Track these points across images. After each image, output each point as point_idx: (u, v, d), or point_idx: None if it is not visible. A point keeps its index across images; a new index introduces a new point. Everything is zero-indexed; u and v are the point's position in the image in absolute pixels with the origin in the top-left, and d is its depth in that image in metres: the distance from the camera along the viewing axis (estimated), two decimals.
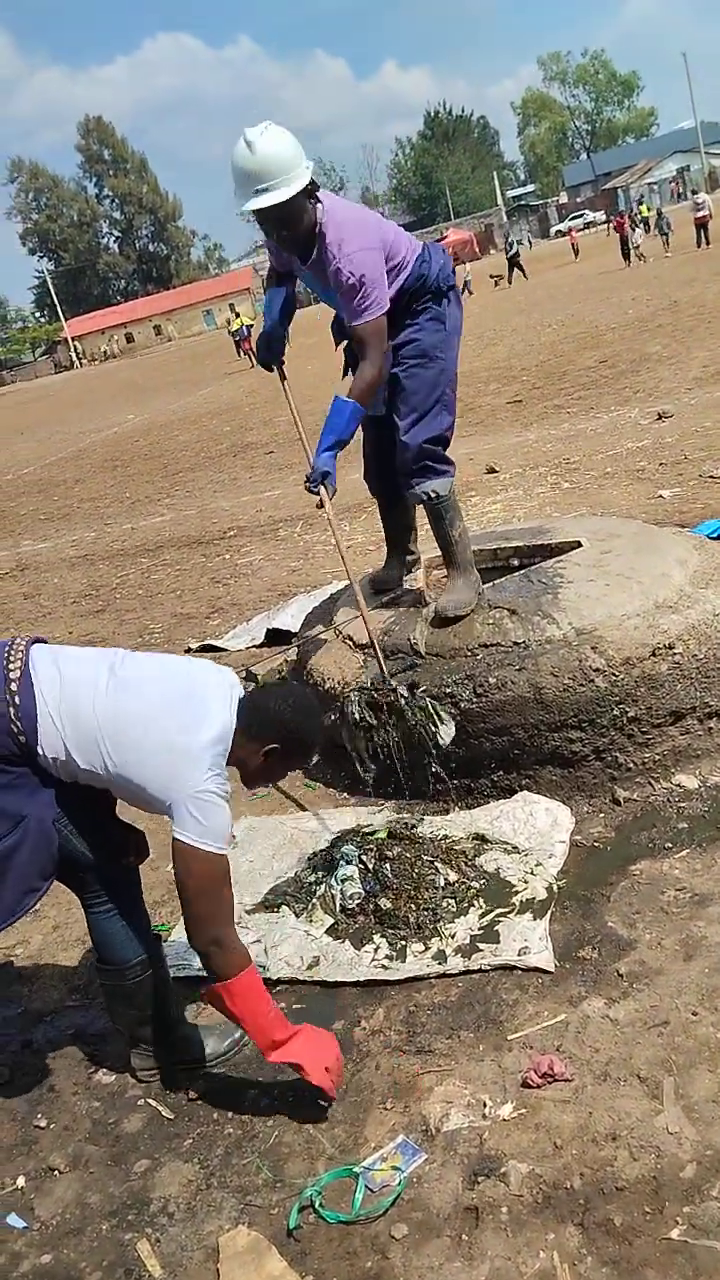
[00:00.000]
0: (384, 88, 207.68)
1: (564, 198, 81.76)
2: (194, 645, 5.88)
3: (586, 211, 66.68)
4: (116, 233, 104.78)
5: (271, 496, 10.42)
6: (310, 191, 3.20)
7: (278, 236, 3.33)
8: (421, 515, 3.77)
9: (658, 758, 3.33)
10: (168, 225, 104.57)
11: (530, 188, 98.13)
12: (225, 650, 5.57)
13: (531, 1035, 2.42)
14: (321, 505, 3.45)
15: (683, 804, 3.21)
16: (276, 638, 5.40)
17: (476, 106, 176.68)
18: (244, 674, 4.95)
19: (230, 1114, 2.43)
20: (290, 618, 5.38)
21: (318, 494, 3.42)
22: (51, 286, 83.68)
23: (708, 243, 27.91)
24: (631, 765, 3.31)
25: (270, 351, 3.73)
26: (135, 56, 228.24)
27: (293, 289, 3.69)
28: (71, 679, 2.27)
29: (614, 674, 3.21)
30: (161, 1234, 2.16)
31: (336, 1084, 2.35)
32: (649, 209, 39.26)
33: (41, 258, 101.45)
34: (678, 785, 3.31)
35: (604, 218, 59.74)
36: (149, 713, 2.24)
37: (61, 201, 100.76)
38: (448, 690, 3.32)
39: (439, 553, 3.80)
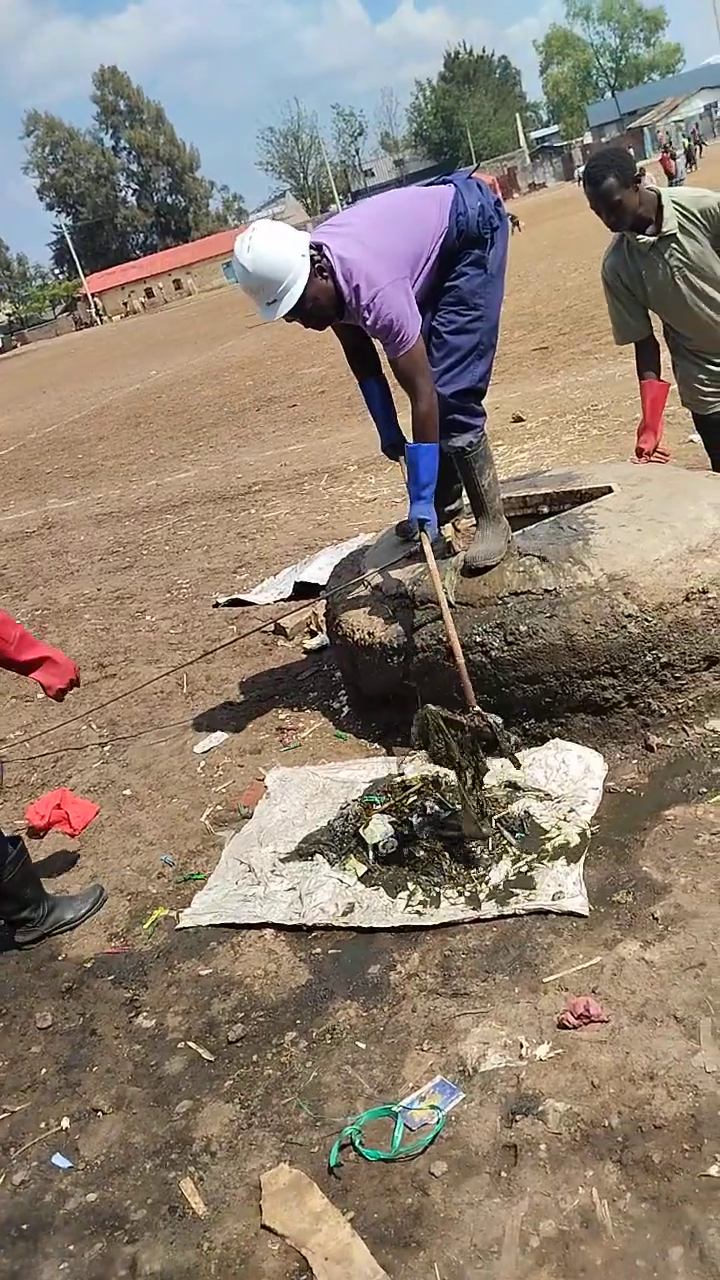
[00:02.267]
0: (401, 30, 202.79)
1: (588, 138, 79.73)
2: (221, 600, 5.88)
3: None
4: (134, 185, 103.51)
5: (296, 450, 10.35)
6: (319, 269, 3.08)
7: (315, 326, 3.27)
8: None
9: (691, 703, 3.30)
10: (185, 176, 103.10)
11: (554, 129, 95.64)
12: (254, 604, 5.57)
13: (567, 978, 2.43)
14: (421, 552, 3.40)
15: (717, 749, 3.19)
16: (304, 590, 5.39)
17: (497, 46, 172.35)
18: (273, 628, 4.96)
19: (269, 1056, 2.46)
20: (318, 570, 5.36)
21: (418, 543, 3.40)
22: (70, 242, 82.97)
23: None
24: (665, 711, 3.29)
25: (395, 450, 3.65)
26: (146, 4, 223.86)
27: (383, 377, 3.58)
28: None
29: (647, 619, 3.18)
30: (205, 1172, 2.20)
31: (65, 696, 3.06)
32: (690, 140, 38.57)
33: (59, 213, 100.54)
34: (711, 730, 3.28)
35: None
36: None
37: (78, 155, 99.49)
38: (478, 639, 3.30)
39: (468, 501, 3.76)
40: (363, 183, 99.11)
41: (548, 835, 2.97)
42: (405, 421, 3.43)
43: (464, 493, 3.94)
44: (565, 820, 3.01)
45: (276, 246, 3.03)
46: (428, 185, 3.40)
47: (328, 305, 3.14)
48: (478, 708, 3.11)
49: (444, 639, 3.30)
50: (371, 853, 3.02)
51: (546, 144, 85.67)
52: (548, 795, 3.14)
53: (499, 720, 3.09)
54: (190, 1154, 2.26)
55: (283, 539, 7.15)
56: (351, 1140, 2.15)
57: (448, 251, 3.23)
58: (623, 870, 2.76)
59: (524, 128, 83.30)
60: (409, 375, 3.19)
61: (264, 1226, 2.03)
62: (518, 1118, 2.10)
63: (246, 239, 3.05)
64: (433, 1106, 2.18)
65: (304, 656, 4.69)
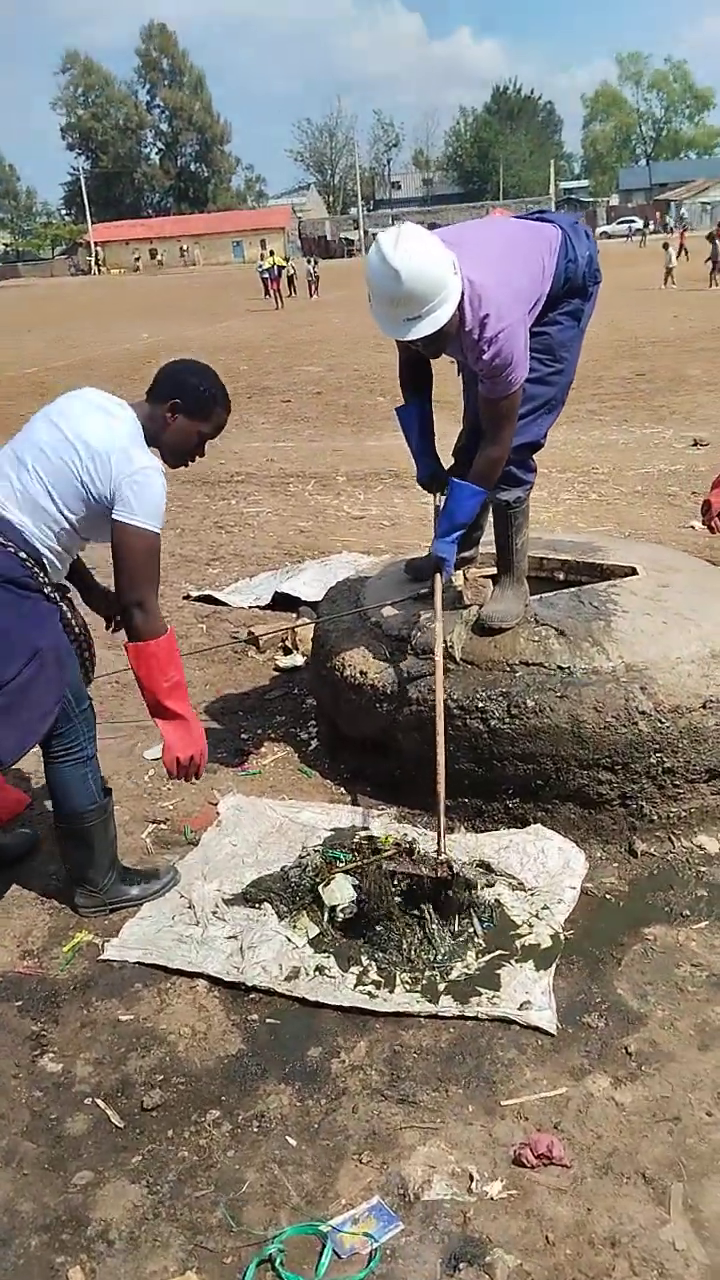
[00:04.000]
0: (454, 53, 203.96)
1: (615, 199, 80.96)
2: (193, 593, 5.60)
3: (636, 218, 65.90)
4: (160, 145, 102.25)
5: (285, 448, 10.09)
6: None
7: (429, 354, 3.00)
8: None
9: (684, 814, 3.12)
10: (213, 147, 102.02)
11: (584, 183, 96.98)
12: (227, 605, 5.29)
13: (528, 1105, 2.21)
14: (431, 592, 3.20)
15: (702, 868, 3.02)
16: (283, 602, 5.13)
17: (544, 90, 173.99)
18: (246, 636, 4.69)
19: (187, 1134, 2.20)
20: (303, 585, 5.11)
21: (429, 583, 3.22)
22: (84, 186, 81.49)
23: None
24: (656, 817, 3.10)
25: (435, 482, 3.37)
26: None
27: (429, 403, 3.31)
28: (22, 446, 2.62)
29: (660, 720, 2.99)
30: (98, 1264, 1.93)
31: (178, 774, 2.75)
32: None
33: (79, 155, 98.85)
34: (699, 846, 3.11)
35: (649, 225, 59.15)
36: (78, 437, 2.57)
37: (110, 102, 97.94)
38: (479, 704, 3.08)
39: (487, 552, 3.55)
40: (388, 193, 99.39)
41: (518, 931, 2.75)
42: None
43: (479, 542, 3.75)
44: (538, 917, 2.80)
45: (434, 257, 2.67)
46: (524, 218, 3.19)
47: (451, 331, 2.83)
48: (447, 856, 2.76)
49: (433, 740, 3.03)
50: (327, 914, 2.78)
51: (573, 196, 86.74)
52: (521, 885, 2.92)
53: (464, 873, 2.83)
54: (84, 1238, 1.98)
55: (262, 539, 6.88)
56: (272, 1259, 1.90)
57: (550, 298, 3.01)
58: (596, 989, 2.56)
59: (556, 175, 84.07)
60: (499, 419, 2.96)
61: None
62: (461, 1266, 1.87)
63: (394, 239, 2.66)
64: (366, 1234, 1.94)
65: (275, 674, 4.43)
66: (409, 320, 2.75)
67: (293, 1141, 2.16)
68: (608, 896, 2.92)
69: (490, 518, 3.42)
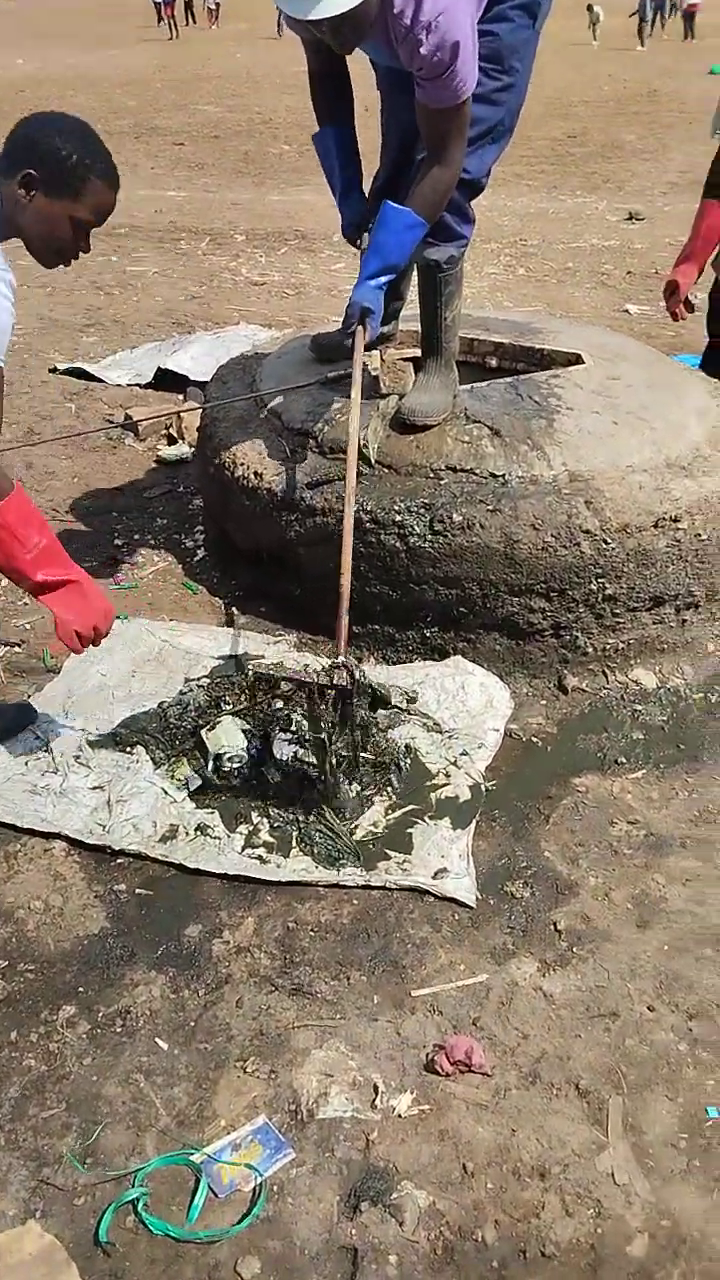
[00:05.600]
0: None
1: None
2: (62, 366, 4.83)
3: None
4: None
5: (176, 198, 8.92)
6: None
7: (340, 45, 2.28)
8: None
9: (621, 645, 2.76)
10: None
11: None
12: (102, 382, 4.56)
13: (442, 996, 1.90)
14: (353, 347, 2.57)
15: (638, 706, 2.69)
16: (167, 379, 4.44)
17: None
18: (123, 419, 4.03)
19: (34, 1037, 1.83)
20: (191, 360, 4.41)
21: (351, 336, 2.56)
22: None
23: (693, 36, 25.57)
24: (590, 649, 2.73)
25: (362, 231, 2.69)
26: None
27: (352, 129, 2.64)
28: None
29: (605, 540, 2.56)
30: None
31: (81, 648, 2.17)
32: None
33: None
34: (634, 681, 2.77)
35: None
36: None
37: None
38: (396, 517, 2.59)
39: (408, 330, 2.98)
40: None
41: (433, 781, 2.39)
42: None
43: (399, 316, 3.15)
44: (455, 765, 2.44)
45: None
46: None
47: (370, 11, 2.17)
48: (345, 659, 2.28)
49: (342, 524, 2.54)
50: (211, 762, 2.36)
51: None
52: (437, 726, 2.54)
53: (366, 677, 2.37)
54: None
55: (146, 303, 6.03)
56: (134, 1203, 1.57)
57: None
58: (520, 851, 2.23)
59: None
60: (447, 135, 2.33)
61: None
62: (364, 1204, 1.57)
63: None
64: (249, 1165, 1.62)
65: (155, 466, 3.83)
66: None
67: (163, 1044, 1.81)
68: (534, 740, 2.57)
69: (414, 286, 2.81)
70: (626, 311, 6.00)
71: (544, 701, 2.70)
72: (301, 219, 8.12)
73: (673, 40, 25.49)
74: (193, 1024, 1.85)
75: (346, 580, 2.31)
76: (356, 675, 2.27)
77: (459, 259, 2.62)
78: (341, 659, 2.25)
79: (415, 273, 2.82)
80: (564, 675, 2.73)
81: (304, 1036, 1.82)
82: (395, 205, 2.43)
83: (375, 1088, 1.74)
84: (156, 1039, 1.82)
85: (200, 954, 1.98)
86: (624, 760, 2.50)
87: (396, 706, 2.47)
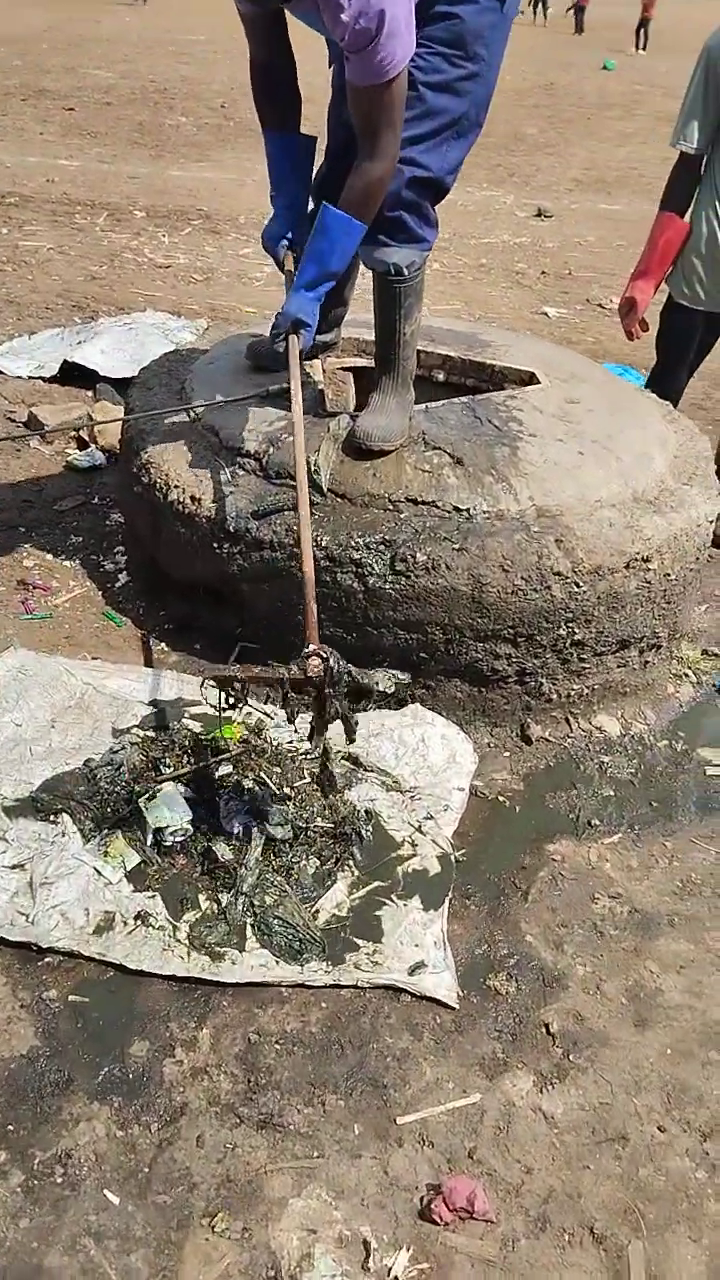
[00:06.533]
0: None
1: None
2: None
3: None
4: None
5: (68, 168, 8.38)
6: None
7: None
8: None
9: (585, 691, 2.58)
10: None
11: None
12: (1, 374, 4.15)
13: (431, 1122, 1.68)
14: (288, 361, 2.33)
15: (604, 757, 2.52)
16: (74, 373, 4.06)
17: None
18: (27, 418, 3.66)
19: None
20: (100, 355, 4.04)
21: (283, 346, 2.33)
22: None
23: (581, 30, 25.78)
24: (555, 696, 2.54)
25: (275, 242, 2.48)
26: None
27: (297, 132, 2.41)
28: None
29: (576, 583, 2.37)
30: None
31: None
32: None
33: None
34: (598, 728, 2.60)
35: None
36: None
37: None
38: (354, 554, 2.34)
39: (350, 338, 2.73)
40: None
41: (399, 852, 2.16)
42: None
43: (342, 322, 2.90)
44: (420, 831, 2.22)
45: None
46: None
47: None
48: (318, 647, 2.08)
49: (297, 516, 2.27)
50: (151, 836, 2.07)
51: None
52: (397, 785, 2.32)
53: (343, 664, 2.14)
54: None
55: (43, 284, 5.58)
56: None
57: None
58: (500, 936, 2.03)
59: None
60: (375, 120, 2.07)
61: None
62: None
63: None
64: None
65: (63, 473, 3.47)
66: None
67: (114, 1198, 1.54)
68: (501, 798, 2.37)
69: (354, 291, 2.58)
70: (545, 314, 5.86)
71: (508, 753, 2.50)
72: (204, 198, 7.71)
73: (563, 33, 25.62)
74: (147, 1170, 1.58)
75: (309, 565, 2.06)
76: (332, 664, 1.99)
77: (419, 266, 2.38)
78: (314, 647, 1.98)
79: (360, 276, 2.59)
80: (527, 724, 2.54)
81: (278, 1182, 1.58)
82: (334, 208, 2.19)
83: (366, 1244, 1.51)
84: (105, 1191, 1.55)
85: (149, 1078, 1.71)
86: (597, 822, 2.33)
87: (383, 693, 2.18)
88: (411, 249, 2.34)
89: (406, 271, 2.34)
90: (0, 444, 3.54)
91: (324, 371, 2.86)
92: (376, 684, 2.08)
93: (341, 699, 2.00)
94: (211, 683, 2.04)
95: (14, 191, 7.40)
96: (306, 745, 2.29)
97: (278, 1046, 1.77)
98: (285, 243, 2.46)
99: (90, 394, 3.94)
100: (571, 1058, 1.80)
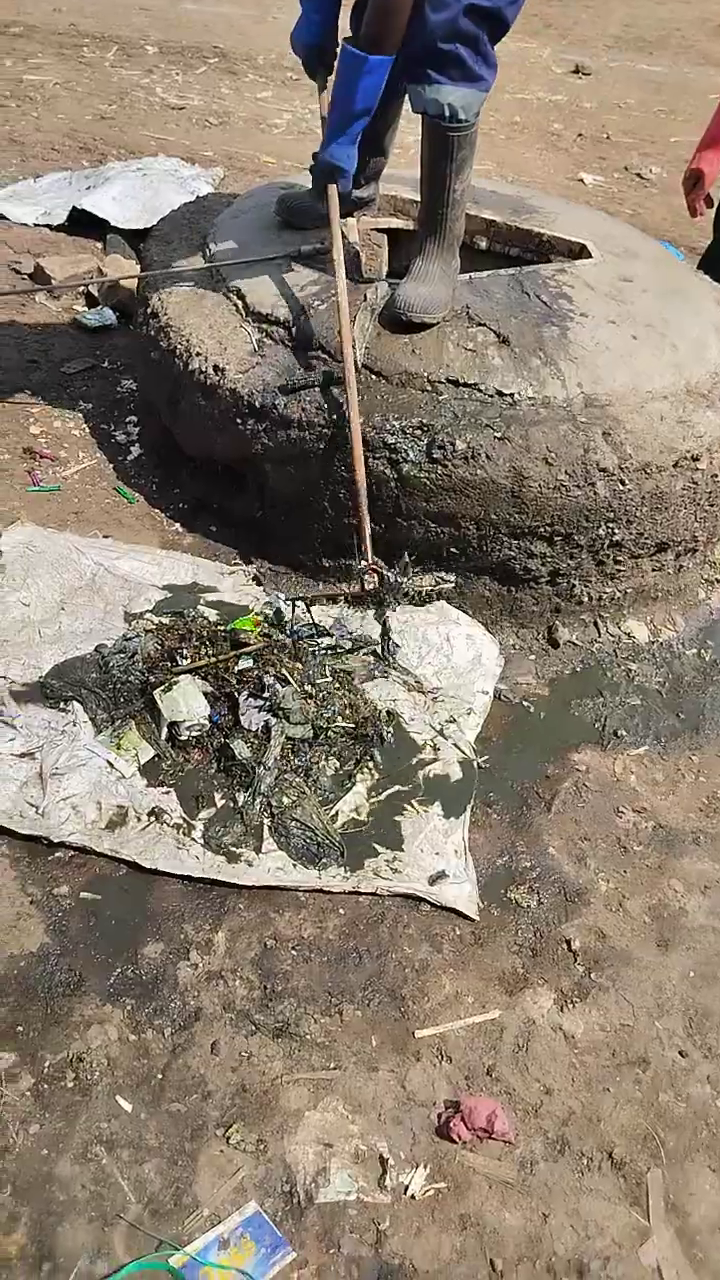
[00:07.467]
0: None
1: None
2: None
3: None
4: None
5: None
6: None
7: None
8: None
9: (618, 595, 2.47)
10: None
11: None
12: (4, 219, 3.86)
13: (450, 1037, 1.64)
14: (328, 217, 2.20)
15: (632, 664, 2.42)
16: (83, 221, 3.78)
17: None
18: (34, 269, 3.42)
19: None
20: (112, 203, 3.75)
21: (324, 200, 2.20)
22: None
23: None
24: (585, 599, 2.43)
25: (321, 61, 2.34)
26: None
27: None
28: None
29: (622, 481, 2.22)
30: None
31: None
32: None
33: None
34: (627, 634, 2.50)
35: None
36: None
37: None
38: (389, 439, 2.18)
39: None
40: None
41: (420, 756, 2.08)
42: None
43: (380, 177, 2.67)
44: (443, 735, 2.13)
45: None
46: None
47: None
48: (373, 560, 2.05)
49: (347, 417, 2.14)
50: (166, 729, 1.98)
51: None
52: (419, 685, 2.22)
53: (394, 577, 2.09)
54: None
55: (49, 121, 5.18)
56: None
57: None
58: (521, 846, 1.96)
59: None
60: None
61: None
62: None
63: None
64: (240, 1271, 1.35)
65: (72, 332, 3.25)
66: None
67: (126, 1105, 1.51)
68: (525, 704, 2.28)
69: (395, 138, 2.36)
70: (581, 181, 5.50)
71: (533, 657, 2.40)
72: (221, 34, 7.15)
73: None
74: (160, 1076, 1.54)
75: (360, 471, 2.03)
76: (387, 576, 2.15)
77: (476, 110, 2.14)
78: (368, 563, 2.05)
79: (404, 122, 2.37)
80: (555, 626, 2.43)
81: (295, 1093, 1.54)
82: (350, 46, 2.01)
83: (382, 1160, 1.48)
84: (118, 1097, 1.51)
85: (163, 980, 1.66)
86: (623, 732, 2.24)
87: (434, 594, 2.23)
88: (468, 89, 2.10)
89: (463, 114, 2.10)
90: (4, 298, 3.31)
91: (358, 232, 2.64)
92: (423, 588, 2.02)
93: (403, 604, 2.05)
94: (303, 604, 2.06)
95: (18, 20, 6.83)
96: (326, 641, 2.20)
97: (294, 953, 1.72)
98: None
99: (100, 245, 3.68)
100: (593, 976, 1.75)
